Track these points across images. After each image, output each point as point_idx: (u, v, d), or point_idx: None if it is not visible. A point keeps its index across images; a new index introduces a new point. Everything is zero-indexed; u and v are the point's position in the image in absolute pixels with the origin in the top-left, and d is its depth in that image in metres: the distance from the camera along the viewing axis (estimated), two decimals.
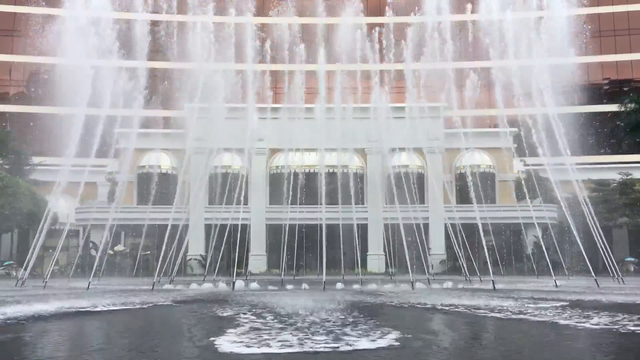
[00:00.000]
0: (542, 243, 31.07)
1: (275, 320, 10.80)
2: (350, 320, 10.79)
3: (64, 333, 10.07)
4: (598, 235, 28.86)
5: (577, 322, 10.44)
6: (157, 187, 41.89)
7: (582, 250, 26.88)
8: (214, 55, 34.73)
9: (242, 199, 30.67)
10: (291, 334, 8.76)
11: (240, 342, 8.07)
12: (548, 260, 28.15)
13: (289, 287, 24.99)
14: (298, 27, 43.20)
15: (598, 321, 10.50)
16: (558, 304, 14.58)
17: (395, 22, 44.00)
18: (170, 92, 67.84)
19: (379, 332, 9.06)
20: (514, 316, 11.69)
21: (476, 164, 46.75)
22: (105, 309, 14.27)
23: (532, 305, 14.15)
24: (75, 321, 12.02)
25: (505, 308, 13.44)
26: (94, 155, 28.86)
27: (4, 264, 43.65)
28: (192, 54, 34.77)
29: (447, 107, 46.86)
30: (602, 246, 28.99)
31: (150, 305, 15.67)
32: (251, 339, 8.35)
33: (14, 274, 38.35)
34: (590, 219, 29.15)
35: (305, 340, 8.05)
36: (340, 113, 42.19)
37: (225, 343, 7.95)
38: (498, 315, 12.00)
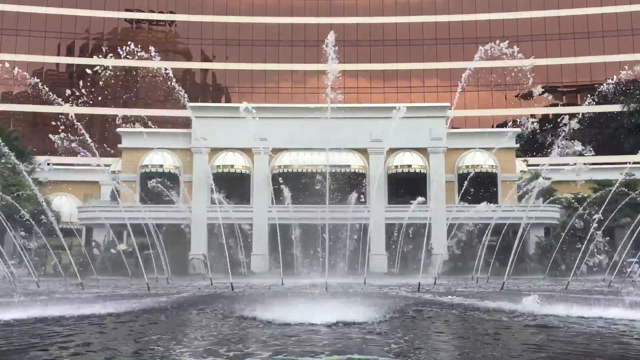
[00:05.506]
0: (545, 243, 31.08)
1: None
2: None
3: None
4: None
5: None
6: (160, 186, 41.86)
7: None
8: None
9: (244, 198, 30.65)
10: None
11: None
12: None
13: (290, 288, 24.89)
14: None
15: None
16: None
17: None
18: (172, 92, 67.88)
19: None
20: None
21: (478, 164, 46.52)
22: (98, 312, 14.18)
23: None
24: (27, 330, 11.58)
25: None
26: (97, 154, 28.89)
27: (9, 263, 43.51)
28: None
29: (450, 107, 46.93)
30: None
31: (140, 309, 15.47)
32: None
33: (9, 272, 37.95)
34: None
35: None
36: (344, 113, 42.13)
37: None
38: None
